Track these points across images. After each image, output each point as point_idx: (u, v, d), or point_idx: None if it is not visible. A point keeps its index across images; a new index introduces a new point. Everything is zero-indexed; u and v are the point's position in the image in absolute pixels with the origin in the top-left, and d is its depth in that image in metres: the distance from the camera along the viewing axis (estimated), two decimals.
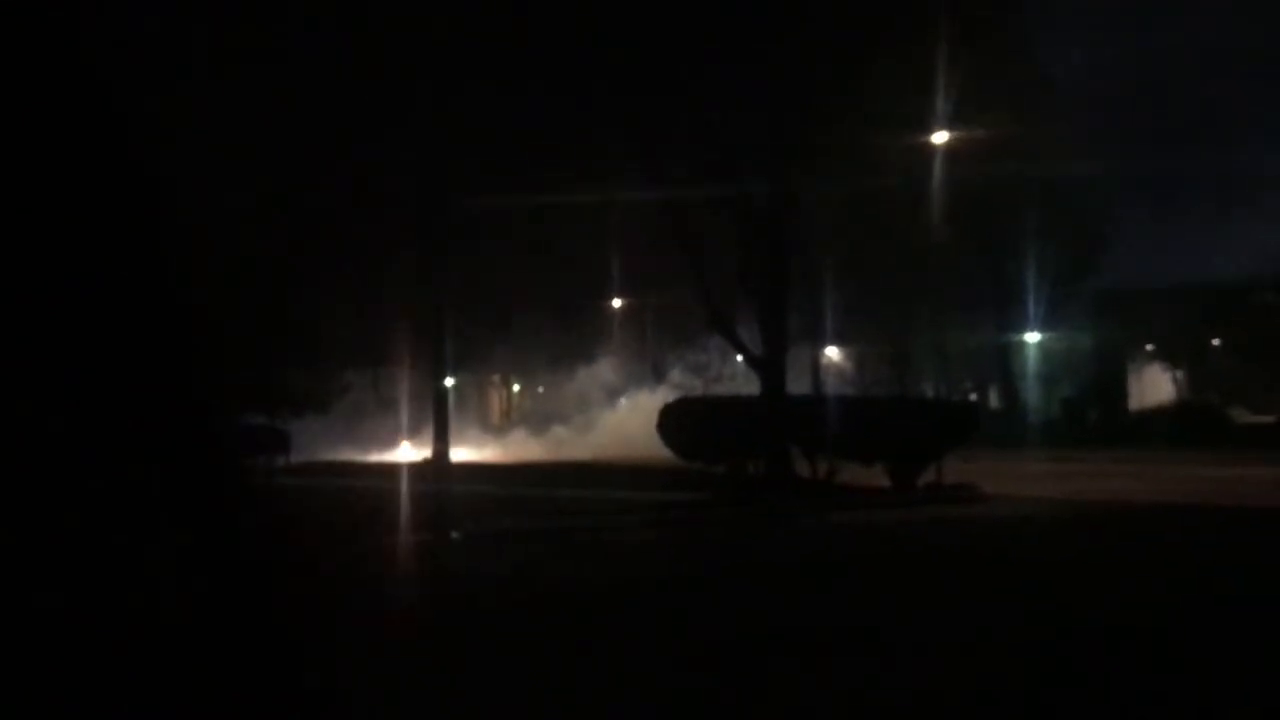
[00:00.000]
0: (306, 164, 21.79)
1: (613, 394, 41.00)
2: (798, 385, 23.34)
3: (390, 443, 29.73)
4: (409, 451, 27.94)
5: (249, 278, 24.91)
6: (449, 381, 29.92)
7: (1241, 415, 37.12)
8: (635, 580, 9.17)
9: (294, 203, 22.69)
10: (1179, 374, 41.13)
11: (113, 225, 2.18)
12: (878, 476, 18.39)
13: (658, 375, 39.49)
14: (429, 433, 28.30)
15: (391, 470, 23.70)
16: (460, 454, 28.45)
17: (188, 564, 2.16)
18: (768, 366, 19.79)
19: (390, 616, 7.41)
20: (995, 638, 6.14)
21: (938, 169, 22.08)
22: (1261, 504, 15.07)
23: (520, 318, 33.77)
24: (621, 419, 36.32)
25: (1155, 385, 41.65)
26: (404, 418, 30.51)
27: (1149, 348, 41.85)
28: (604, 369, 40.66)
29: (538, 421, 38.06)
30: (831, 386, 33.74)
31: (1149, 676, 5.30)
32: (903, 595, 7.81)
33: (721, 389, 35.30)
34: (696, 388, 37.73)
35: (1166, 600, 7.18)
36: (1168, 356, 41.30)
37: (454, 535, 13.13)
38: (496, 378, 47.21)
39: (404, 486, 19.79)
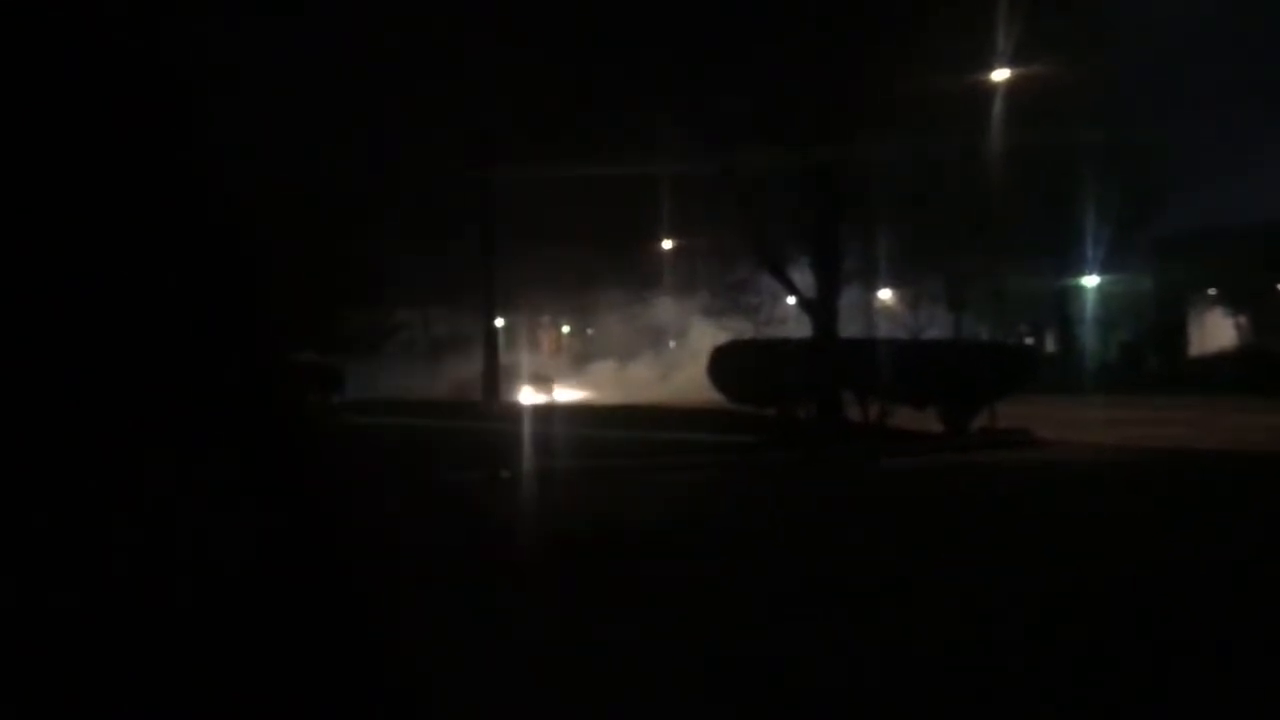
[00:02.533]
0: (362, 104, 21.86)
1: (662, 336, 41.00)
2: (850, 328, 23.12)
3: (440, 382, 29.98)
4: (461, 391, 28.16)
5: (302, 216, 25.12)
6: (499, 322, 30.04)
7: None
8: (678, 522, 9.17)
9: (348, 142, 22.80)
10: (1242, 319, 40.19)
11: (164, 164, 2.16)
12: (930, 420, 18.24)
13: (712, 317, 39.42)
14: (479, 372, 28.50)
15: (441, 409, 23.90)
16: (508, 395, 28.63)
17: (249, 500, 2.16)
18: (819, 309, 19.64)
19: (435, 555, 7.47)
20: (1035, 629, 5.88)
21: (997, 108, 21.60)
22: None
23: (570, 258, 33.69)
24: (673, 361, 36.34)
25: (1217, 330, 40.78)
26: (454, 358, 30.75)
27: (1211, 292, 40.93)
28: (655, 310, 40.61)
29: (587, 363, 38.17)
30: (884, 329, 33.48)
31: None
32: (937, 551, 7.70)
33: (772, 331, 35.20)
34: (747, 330, 37.70)
35: (1218, 574, 6.89)
36: (1230, 301, 40.35)
37: (503, 474, 13.21)
38: (546, 318, 47.37)
39: (453, 425, 19.97)
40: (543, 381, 32.69)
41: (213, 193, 2.26)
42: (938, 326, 28.70)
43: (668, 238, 34.49)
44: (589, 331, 46.64)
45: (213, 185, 2.27)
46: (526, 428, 19.11)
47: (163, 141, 2.24)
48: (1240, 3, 38.89)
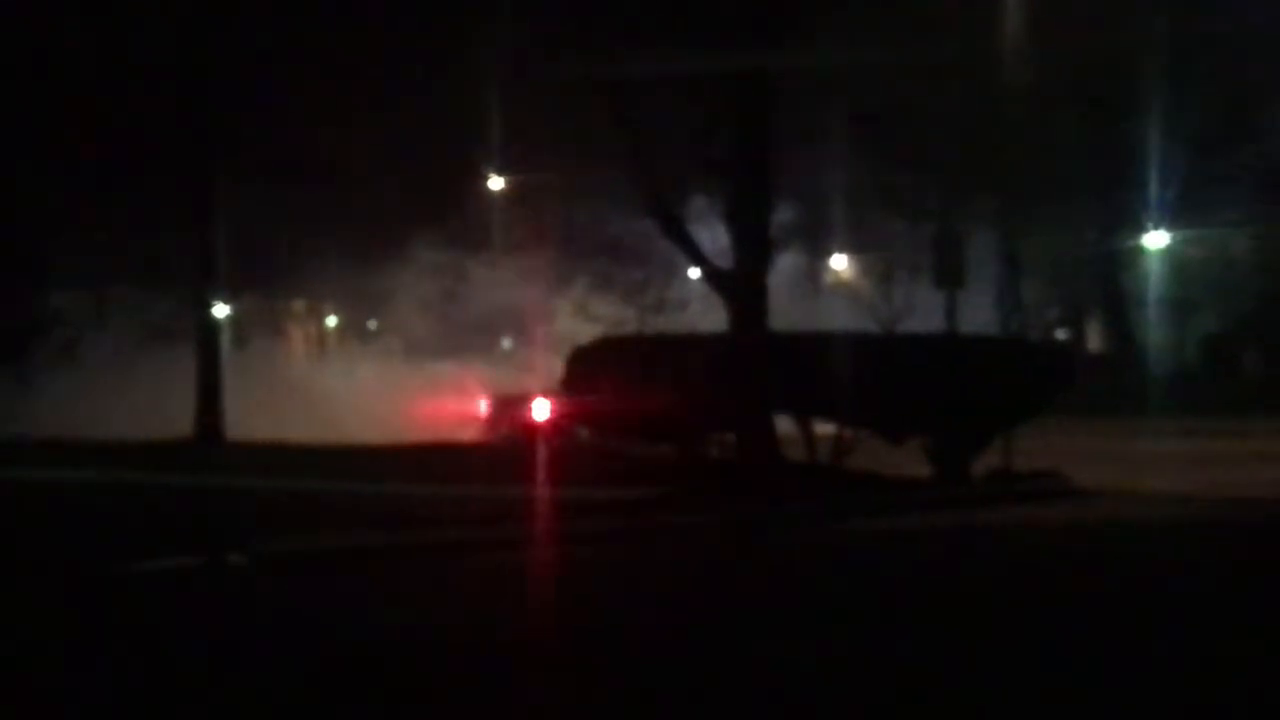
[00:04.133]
0: None
1: (495, 329, 41.00)
2: (789, 316, 23.43)
3: (129, 408, 29.34)
4: (159, 422, 27.60)
5: None
6: (221, 310, 29.56)
7: None
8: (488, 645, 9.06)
9: None
10: None
11: None
12: (912, 459, 18.58)
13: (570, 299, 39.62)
14: (188, 392, 28.00)
15: (131, 453, 23.38)
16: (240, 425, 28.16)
17: None
18: (741, 286, 19.81)
19: None
20: None
21: None
22: None
23: (340, 211, 33.40)
24: (523, 364, 36.32)
25: None
26: (150, 367, 30.17)
27: None
28: (480, 291, 40.56)
29: (366, 370, 37.80)
30: (841, 318, 34.03)
31: None
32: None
33: (666, 322, 35.48)
34: (627, 320, 37.91)
35: None
36: None
37: (233, 559, 13.03)
38: (300, 305, 46.91)
39: (149, 480, 19.51)
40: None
41: None
42: (922, 313, 29.20)
43: (500, 175, 34.49)
44: (370, 324, 46.35)
45: None
46: (276, 481, 18.82)
47: None
48: None
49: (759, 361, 19.35)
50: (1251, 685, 7.45)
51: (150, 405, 28.98)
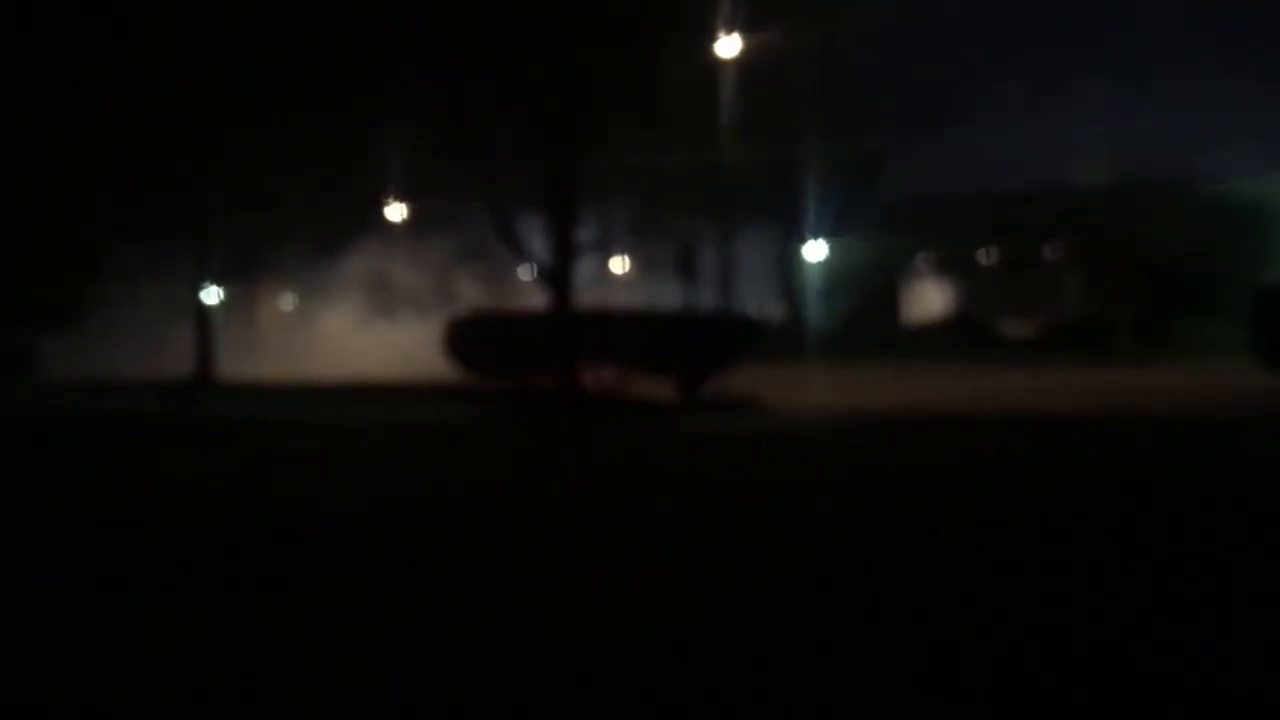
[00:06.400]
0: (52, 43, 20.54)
1: (394, 309, 40.24)
2: (588, 299, 23.53)
3: (155, 360, 28.28)
4: (175, 369, 26.70)
5: None
6: (216, 295, 28.72)
7: (1009, 328, 39.73)
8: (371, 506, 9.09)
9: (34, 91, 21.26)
10: (952, 288, 43.37)
11: None
12: (665, 388, 18.89)
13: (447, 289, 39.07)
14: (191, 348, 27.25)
15: (150, 389, 22.64)
16: (231, 372, 27.36)
17: None
18: (556, 279, 19.91)
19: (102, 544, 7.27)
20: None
21: (726, 80, 22.48)
22: (1021, 409, 16.48)
23: (292, 223, 32.42)
24: (408, 336, 35.75)
25: (930, 299, 43.90)
26: (170, 333, 29.20)
27: (924, 262, 43.95)
28: (388, 280, 39.76)
29: (311, 339, 36.83)
30: (621, 300, 34.24)
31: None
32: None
33: (510, 302, 35.30)
34: (487, 300, 37.61)
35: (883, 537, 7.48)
36: (942, 270, 43.48)
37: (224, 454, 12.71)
38: (268, 291, 45.52)
39: (162, 406, 18.99)
40: None
41: None
42: (671, 296, 29.60)
43: (403, 202, 33.91)
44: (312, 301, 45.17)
45: None
46: (241, 408, 18.40)
47: None
48: None
49: (567, 327, 19.54)
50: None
51: (165, 357, 28.06)
